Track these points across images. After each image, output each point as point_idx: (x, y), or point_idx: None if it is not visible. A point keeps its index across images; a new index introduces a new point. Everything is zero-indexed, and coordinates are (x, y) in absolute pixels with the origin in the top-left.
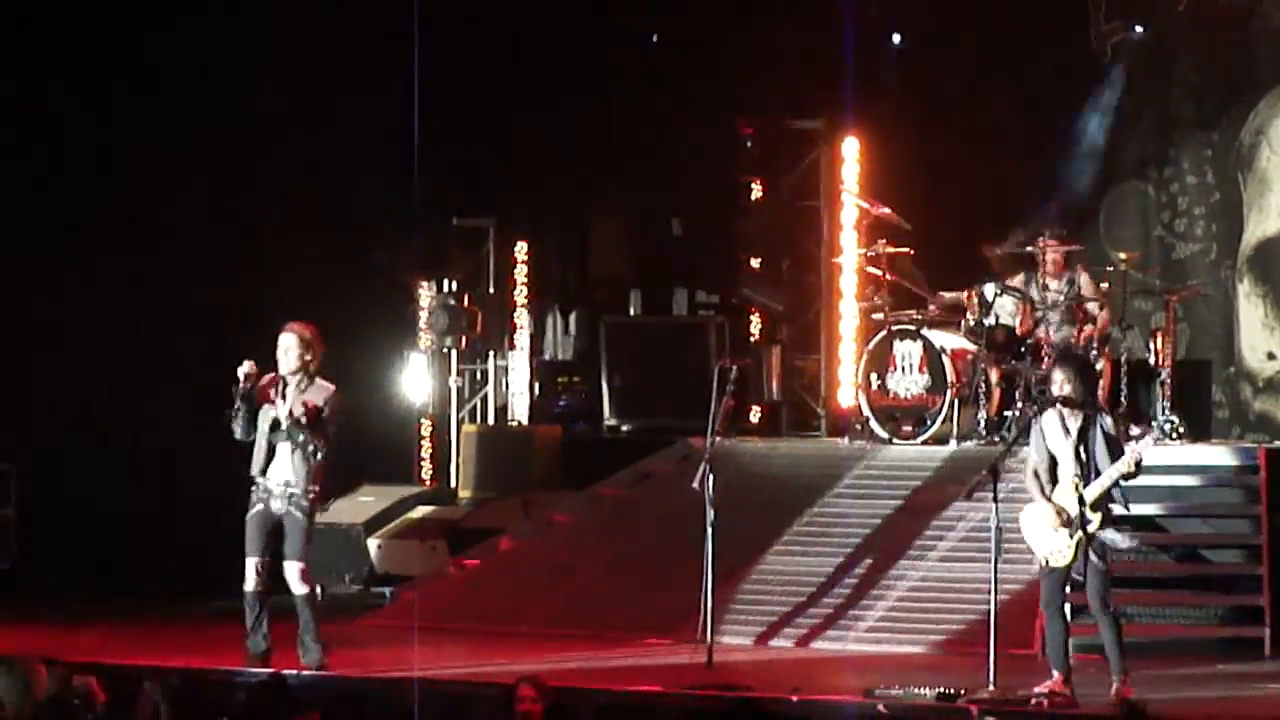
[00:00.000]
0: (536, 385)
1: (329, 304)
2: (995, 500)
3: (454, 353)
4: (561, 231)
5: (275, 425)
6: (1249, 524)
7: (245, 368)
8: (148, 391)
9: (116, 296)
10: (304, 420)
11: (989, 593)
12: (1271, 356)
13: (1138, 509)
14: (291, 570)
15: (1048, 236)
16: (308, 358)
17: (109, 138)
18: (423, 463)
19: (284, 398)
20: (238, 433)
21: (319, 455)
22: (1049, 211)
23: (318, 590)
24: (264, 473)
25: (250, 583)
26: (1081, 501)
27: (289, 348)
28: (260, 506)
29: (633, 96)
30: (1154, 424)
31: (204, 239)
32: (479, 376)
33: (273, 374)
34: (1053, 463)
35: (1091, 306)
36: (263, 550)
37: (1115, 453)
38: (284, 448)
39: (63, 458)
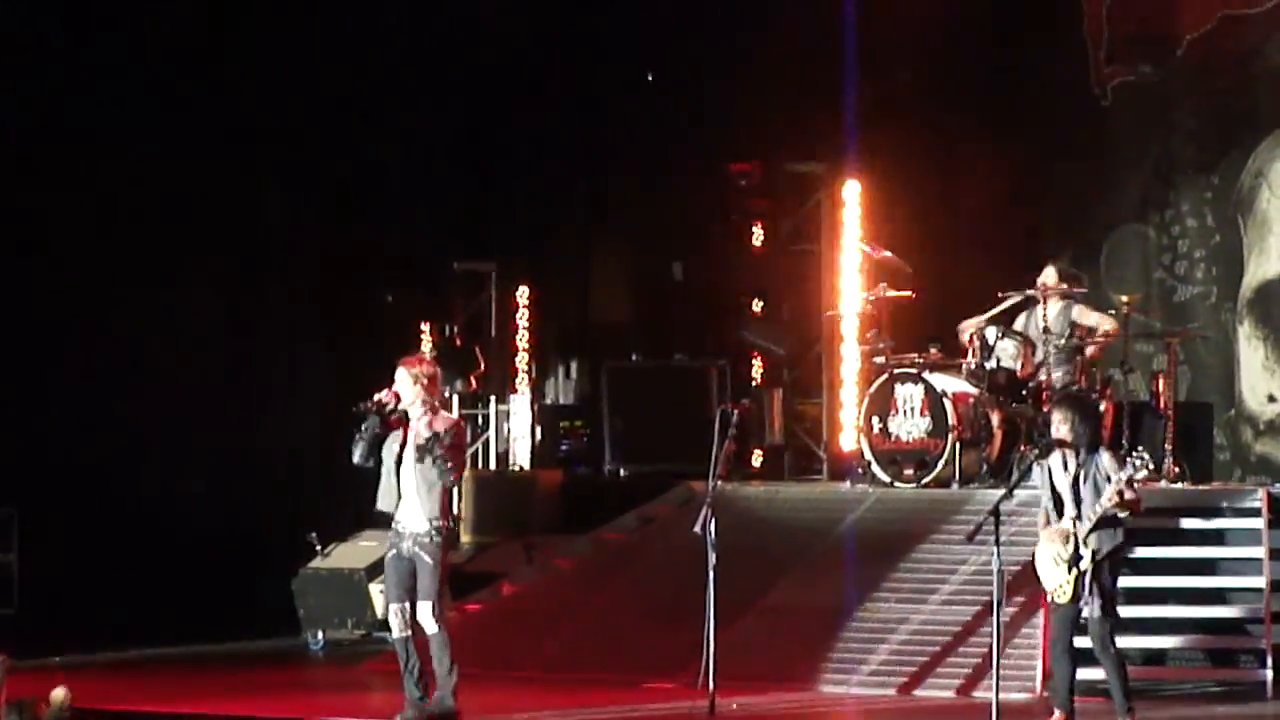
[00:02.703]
0: (538, 430)
1: (331, 350)
2: (997, 543)
3: (455, 397)
4: (563, 276)
5: (400, 460)
6: (1251, 566)
7: (383, 394)
8: (150, 435)
9: (118, 334)
10: (432, 433)
11: (991, 635)
12: (1272, 399)
13: (1140, 551)
14: (421, 611)
15: (1053, 274)
16: (425, 390)
17: (101, 183)
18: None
19: (405, 434)
20: (356, 456)
21: (448, 477)
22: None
23: (446, 632)
24: (397, 514)
25: (394, 629)
26: (1076, 538)
27: (404, 383)
28: (394, 551)
29: (633, 140)
30: (1128, 461)
31: (207, 283)
32: (480, 421)
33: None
34: (1058, 500)
35: (1089, 347)
36: (401, 595)
37: None
38: (409, 486)
39: (64, 500)
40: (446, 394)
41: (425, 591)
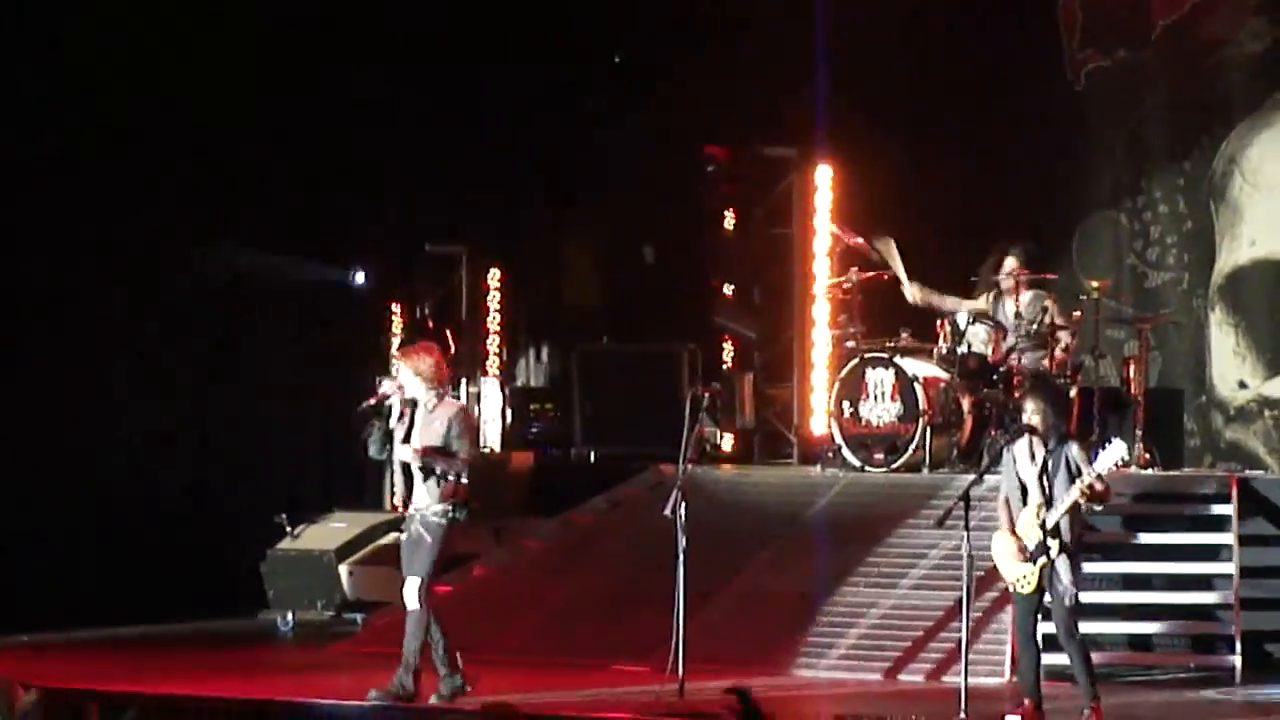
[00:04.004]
0: (509, 412)
1: (301, 329)
2: (967, 528)
3: (384, 381)
4: (534, 258)
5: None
6: (1220, 552)
7: (385, 386)
8: (118, 413)
9: (90, 321)
10: (424, 458)
11: (960, 620)
12: (1243, 385)
13: (1108, 537)
14: (408, 586)
15: (1016, 261)
16: (426, 380)
17: (78, 187)
18: (394, 489)
19: (414, 421)
20: (371, 451)
21: (451, 476)
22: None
23: (426, 613)
24: (410, 498)
25: (408, 605)
26: (1043, 528)
27: (405, 376)
28: (407, 533)
29: (604, 123)
30: (1100, 451)
31: (175, 262)
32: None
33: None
34: (1024, 490)
35: (1061, 333)
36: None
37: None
38: (418, 472)
39: (31, 479)
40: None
41: (417, 568)
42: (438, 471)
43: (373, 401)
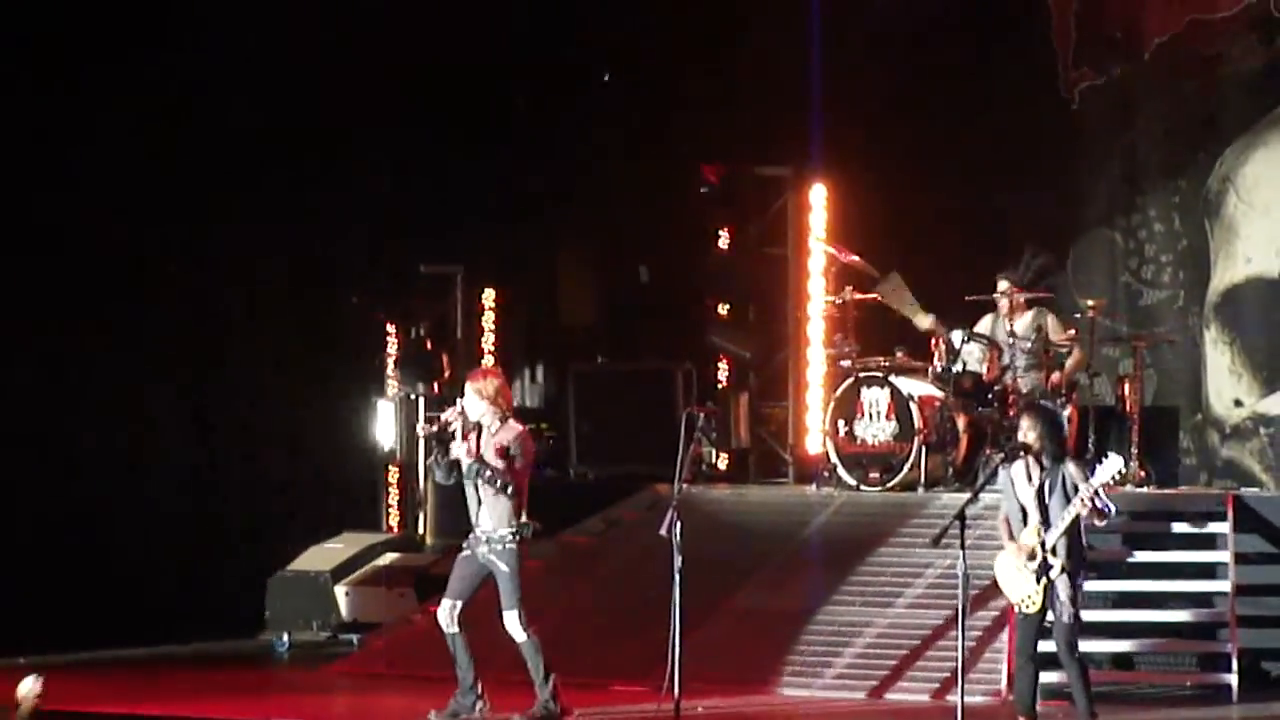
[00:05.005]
0: None
1: (297, 350)
2: (962, 547)
3: (421, 400)
4: (529, 279)
5: (466, 468)
6: (1216, 570)
7: (447, 414)
8: (114, 434)
9: (87, 333)
10: (484, 460)
11: (956, 639)
12: (1238, 403)
13: (1104, 555)
14: (509, 621)
15: (1007, 283)
16: (491, 403)
17: (63, 200)
18: (390, 509)
19: (479, 443)
20: (439, 476)
21: (509, 489)
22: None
23: (534, 637)
24: (475, 520)
25: (442, 624)
26: (1043, 547)
27: (470, 399)
28: (468, 551)
29: (599, 143)
30: (1097, 467)
31: (169, 286)
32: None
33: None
34: (1023, 510)
35: (1060, 350)
36: (458, 593)
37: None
38: (486, 493)
39: (26, 500)
40: (413, 397)
41: (508, 600)
42: (499, 485)
43: (435, 428)
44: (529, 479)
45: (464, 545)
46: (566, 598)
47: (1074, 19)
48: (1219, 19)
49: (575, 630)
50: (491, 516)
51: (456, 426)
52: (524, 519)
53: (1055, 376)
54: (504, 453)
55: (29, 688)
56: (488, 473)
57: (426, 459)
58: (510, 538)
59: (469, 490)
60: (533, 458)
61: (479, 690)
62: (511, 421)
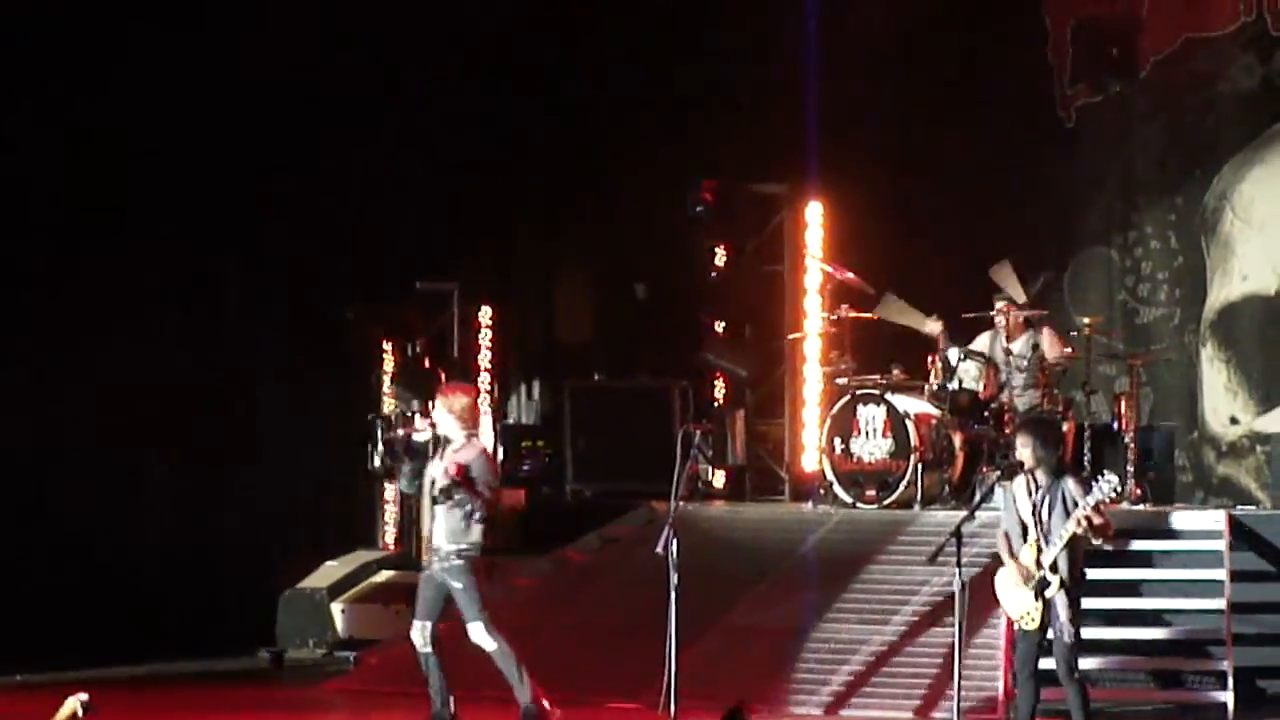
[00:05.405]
0: (500, 449)
1: (293, 369)
2: (959, 565)
3: (417, 417)
4: (525, 296)
5: (439, 489)
6: (1212, 589)
7: (421, 424)
8: (113, 452)
9: (81, 351)
10: (452, 479)
11: (954, 657)
12: (1235, 421)
13: (1101, 573)
14: (474, 633)
15: (1006, 301)
16: (458, 419)
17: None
18: (386, 527)
19: (442, 458)
20: (403, 485)
21: (475, 515)
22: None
23: (504, 643)
24: (431, 537)
25: (415, 644)
26: (1040, 565)
27: (439, 413)
28: (427, 570)
29: (595, 160)
30: (1094, 484)
31: (168, 300)
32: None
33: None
34: (1023, 526)
35: (1056, 369)
36: (425, 613)
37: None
38: (440, 509)
39: (23, 517)
40: (410, 414)
41: (469, 613)
42: (456, 497)
43: (400, 433)
44: (493, 500)
45: (423, 565)
46: (562, 615)
47: (1070, 37)
48: (1215, 37)
49: (571, 647)
50: (446, 533)
51: (427, 436)
52: (479, 538)
53: (1055, 393)
54: (463, 471)
55: (73, 708)
56: (458, 495)
57: (390, 464)
58: (456, 554)
59: (426, 505)
60: (498, 477)
61: (452, 709)
62: (475, 440)
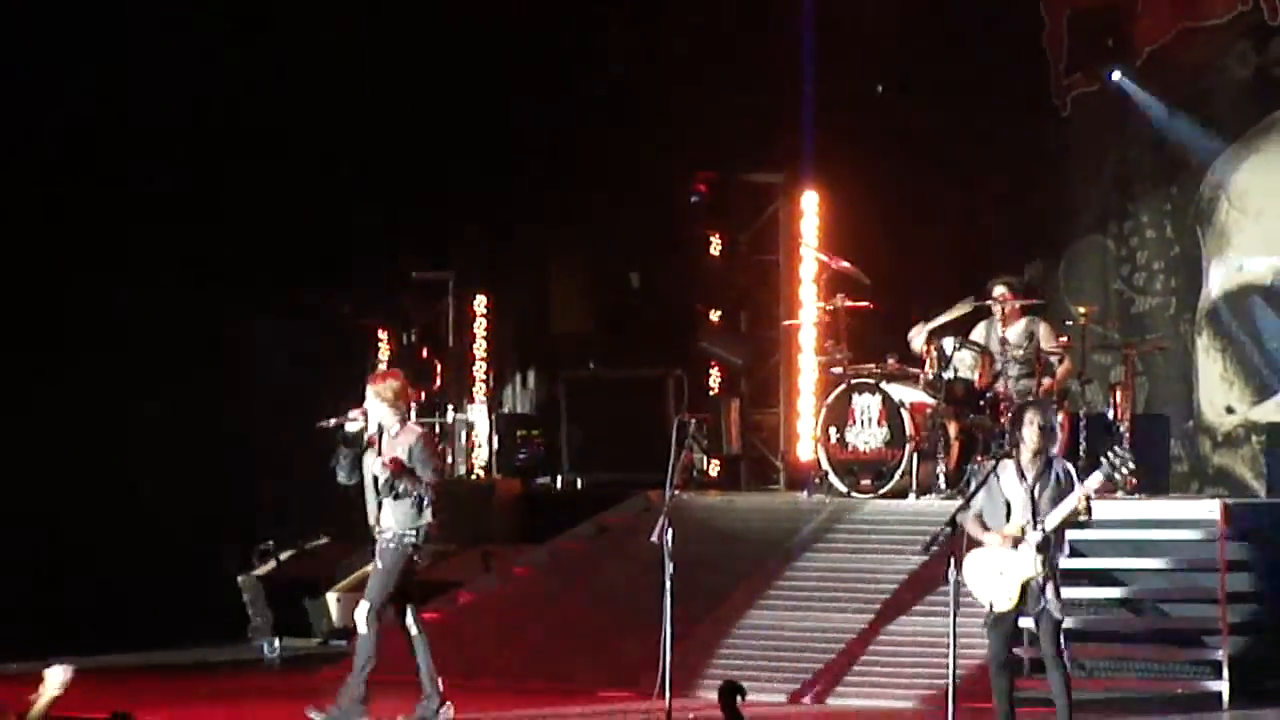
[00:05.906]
0: (496, 439)
1: (288, 359)
2: (953, 553)
3: (413, 406)
4: (521, 285)
5: (376, 479)
6: (1207, 578)
7: (353, 414)
8: (103, 440)
9: (74, 339)
10: (390, 474)
11: (947, 647)
12: (1230, 410)
13: (1096, 562)
14: (359, 609)
15: (1005, 289)
16: (391, 406)
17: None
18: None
19: (380, 449)
20: (341, 476)
21: (425, 500)
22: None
23: (372, 633)
24: (377, 521)
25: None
26: (1030, 547)
27: (371, 401)
28: (375, 557)
29: (591, 150)
30: (1103, 461)
31: (164, 289)
32: (438, 430)
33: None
34: (1007, 506)
35: (1052, 358)
36: (398, 597)
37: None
38: (386, 494)
39: (11, 505)
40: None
41: (369, 591)
42: (400, 490)
43: (332, 422)
44: (438, 481)
45: (372, 552)
46: (557, 604)
47: (1066, 27)
48: (1209, 26)
49: (566, 636)
50: (397, 518)
51: (359, 425)
52: (429, 518)
53: (1047, 381)
54: (399, 464)
55: (59, 679)
56: (403, 486)
57: (330, 461)
58: (400, 538)
59: (369, 492)
60: (439, 459)
61: (439, 689)
62: (411, 424)
